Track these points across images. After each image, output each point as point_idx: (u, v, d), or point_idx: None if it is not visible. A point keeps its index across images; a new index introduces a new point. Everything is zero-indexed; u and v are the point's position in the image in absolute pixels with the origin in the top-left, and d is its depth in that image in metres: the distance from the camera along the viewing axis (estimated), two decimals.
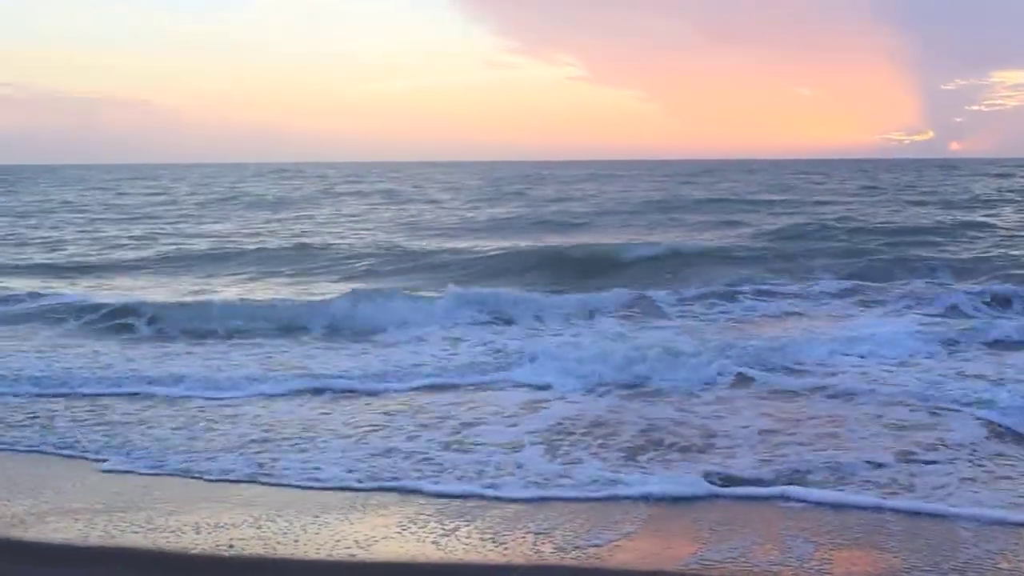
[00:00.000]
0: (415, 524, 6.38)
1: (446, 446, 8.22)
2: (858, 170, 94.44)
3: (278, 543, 6.03)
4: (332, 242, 27.24)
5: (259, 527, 6.31)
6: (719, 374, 10.42)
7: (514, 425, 8.85)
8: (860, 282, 17.32)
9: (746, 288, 16.58)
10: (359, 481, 7.31)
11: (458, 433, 8.60)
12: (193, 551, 5.93)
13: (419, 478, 7.35)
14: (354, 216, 38.61)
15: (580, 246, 23.60)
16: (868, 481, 7.13)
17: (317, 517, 6.51)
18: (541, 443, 8.24)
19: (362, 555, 5.87)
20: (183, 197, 55.36)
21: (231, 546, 5.98)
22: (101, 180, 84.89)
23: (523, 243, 25.50)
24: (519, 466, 7.61)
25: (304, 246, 26.01)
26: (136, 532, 6.24)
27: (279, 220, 36.84)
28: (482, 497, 6.93)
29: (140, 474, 7.58)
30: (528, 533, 6.21)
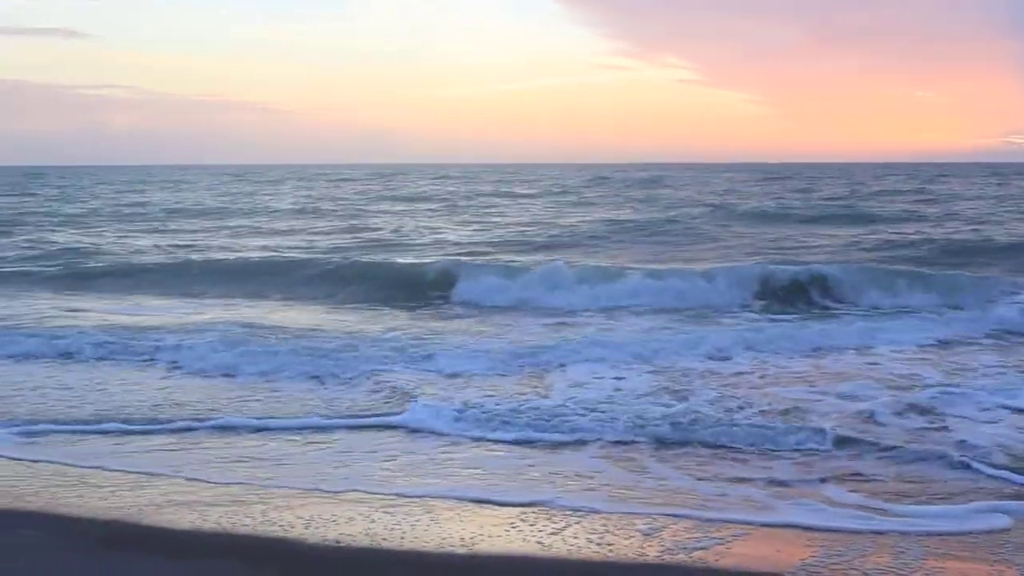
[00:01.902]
0: (524, 522, 6.38)
1: None
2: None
3: (384, 539, 6.10)
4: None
5: (371, 521, 6.39)
6: None
7: None
8: None
9: None
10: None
11: None
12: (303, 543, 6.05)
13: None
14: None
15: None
16: None
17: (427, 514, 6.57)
18: None
19: (463, 552, 5.90)
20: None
21: (338, 542, 6.06)
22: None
23: None
24: None
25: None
26: (246, 525, 6.39)
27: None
28: None
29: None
30: (636, 532, 6.17)
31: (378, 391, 10.24)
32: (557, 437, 8.43)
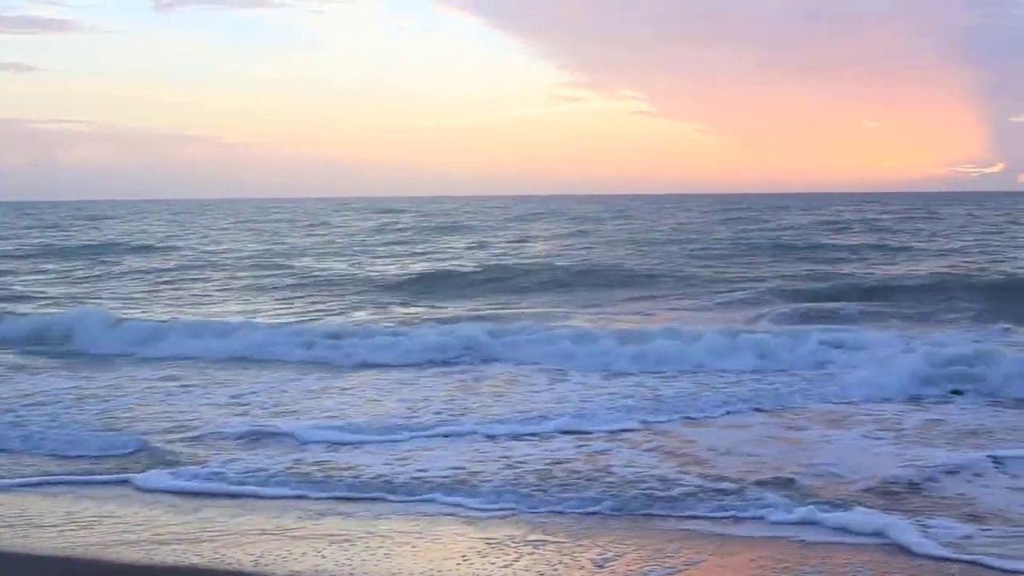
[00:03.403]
0: (478, 554, 6.36)
1: None
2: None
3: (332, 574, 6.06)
4: None
5: (322, 556, 6.34)
6: None
7: None
8: None
9: None
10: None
11: None
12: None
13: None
14: None
15: None
16: None
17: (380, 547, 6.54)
18: None
19: None
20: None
21: None
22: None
23: None
24: None
25: None
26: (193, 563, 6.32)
27: None
28: None
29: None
30: (588, 561, 6.16)
31: None
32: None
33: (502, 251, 37.00)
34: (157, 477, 8.31)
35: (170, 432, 9.89)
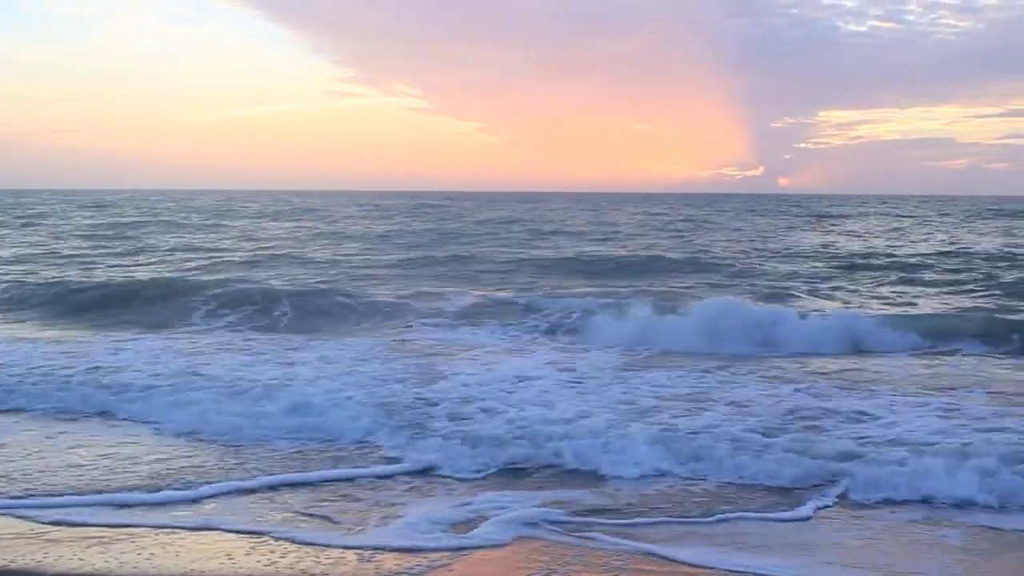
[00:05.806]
0: (243, 554, 6.40)
1: None
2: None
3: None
4: None
5: (80, 559, 6.24)
6: None
7: None
8: None
9: None
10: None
11: None
12: None
13: None
14: None
15: None
16: None
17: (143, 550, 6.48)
18: None
19: None
20: None
21: None
22: None
23: None
24: None
25: None
26: None
27: None
28: None
29: None
30: (354, 556, 6.34)
31: None
32: None
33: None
34: None
35: None
